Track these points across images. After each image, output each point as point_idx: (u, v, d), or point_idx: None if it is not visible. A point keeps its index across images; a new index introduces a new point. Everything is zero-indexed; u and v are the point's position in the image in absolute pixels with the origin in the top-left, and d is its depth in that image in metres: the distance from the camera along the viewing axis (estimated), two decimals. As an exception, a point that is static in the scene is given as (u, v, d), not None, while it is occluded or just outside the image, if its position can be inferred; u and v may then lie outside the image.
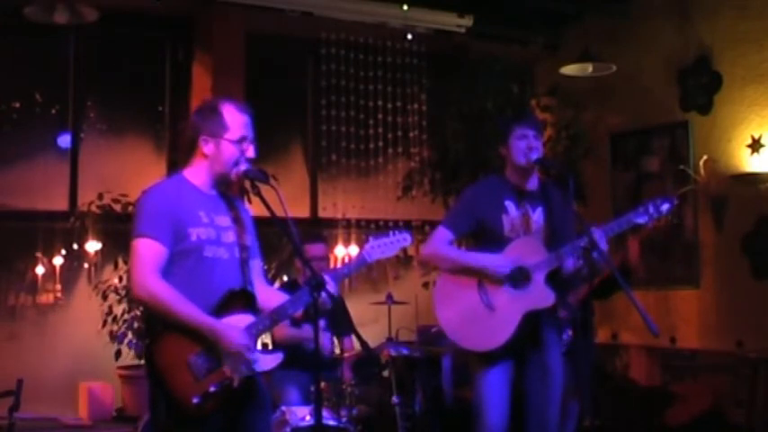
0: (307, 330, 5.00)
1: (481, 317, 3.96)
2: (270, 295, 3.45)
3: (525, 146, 4.02)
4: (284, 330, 5.07)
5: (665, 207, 3.96)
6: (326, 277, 3.20)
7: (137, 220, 3.21)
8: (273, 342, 5.32)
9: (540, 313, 3.95)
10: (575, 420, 5.03)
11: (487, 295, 3.97)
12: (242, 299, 3.26)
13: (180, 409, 3.08)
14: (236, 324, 3.20)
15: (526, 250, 3.97)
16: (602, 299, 5.50)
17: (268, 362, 3.28)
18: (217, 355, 3.15)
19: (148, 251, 3.14)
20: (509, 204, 4.06)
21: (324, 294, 3.11)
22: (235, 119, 3.30)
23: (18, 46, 7.12)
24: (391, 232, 3.57)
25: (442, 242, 4.08)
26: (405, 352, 5.65)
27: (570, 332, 4.15)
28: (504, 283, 3.96)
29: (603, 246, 3.80)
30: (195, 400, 3.07)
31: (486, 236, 4.06)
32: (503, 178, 4.16)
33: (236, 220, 3.35)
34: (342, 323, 5.29)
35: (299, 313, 3.37)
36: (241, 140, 3.29)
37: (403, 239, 3.56)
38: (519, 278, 3.95)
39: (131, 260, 3.19)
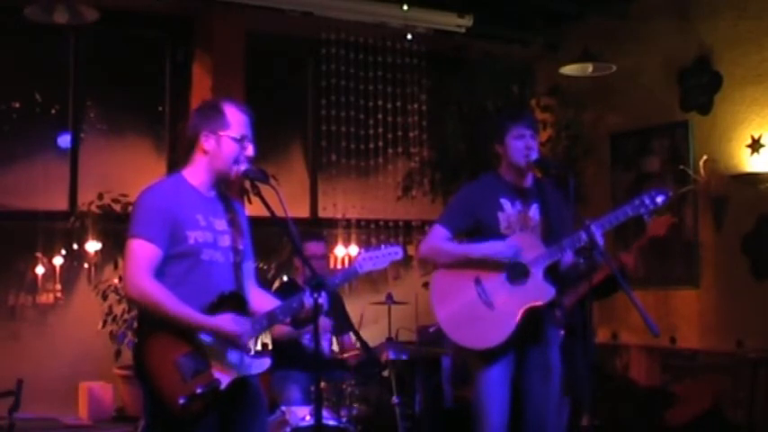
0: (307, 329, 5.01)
1: (480, 314, 3.94)
2: (260, 299, 3.45)
3: (523, 145, 4.01)
4: (283, 328, 5.07)
5: (661, 199, 3.93)
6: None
7: (133, 220, 3.21)
8: (273, 339, 5.33)
9: (541, 309, 3.94)
10: (566, 416, 5.03)
11: (486, 292, 3.96)
12: (233, 301, 3.26)
13: (167, 409, 3.08)
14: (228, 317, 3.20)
15: (523, 246, 3.95)
16: (602, 298, 5.49)
17: (256, 366, 3.29)
18: (205, 357, 3.15)
19: (142, 252, 3.14)
20: (505, 202, 4.05)
21: (323, 295, 3.12)
22: (236, 117, 3.32)
23: (18, 46, 7.12)
24: (383, 245, 3.62)
25: (439, 239, 4.07)
26: (404, 357, 5.62)
27: (562, 332, 4.14)
28: (505, 269, 3.94)
29: (602, 242, 3.80)
30: (182, 401, 3.06)
31: (482, 233, 4.04)
32: (498, 176, 4.15)
33: (233, 223, 3.35)
34: (340, 322, 5.29)
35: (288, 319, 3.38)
36: (242, 139, 3.30)
37: (395, 253, 3.58)
38: (517, 273, 3.94)
39: (125, 260, 3.19)
